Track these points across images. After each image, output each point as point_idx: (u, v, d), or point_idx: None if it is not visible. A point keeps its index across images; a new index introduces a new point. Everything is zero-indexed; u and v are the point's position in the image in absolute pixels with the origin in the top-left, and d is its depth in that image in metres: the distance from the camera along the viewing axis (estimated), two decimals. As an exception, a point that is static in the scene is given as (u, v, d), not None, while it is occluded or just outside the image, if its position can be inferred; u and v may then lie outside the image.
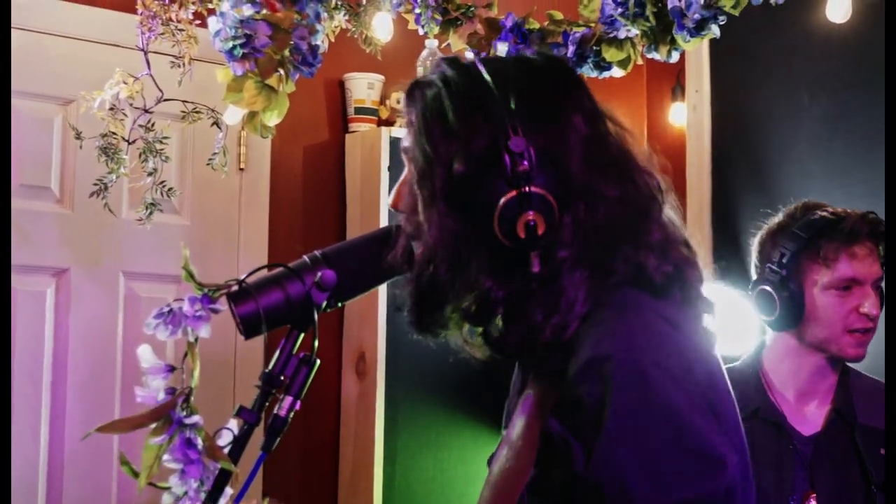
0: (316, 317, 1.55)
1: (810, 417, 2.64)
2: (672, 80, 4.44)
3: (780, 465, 2.57)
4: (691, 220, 4.12)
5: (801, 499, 2.54)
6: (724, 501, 1.48)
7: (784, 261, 2.57)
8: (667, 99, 4.50)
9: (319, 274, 1.57)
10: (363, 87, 3.87)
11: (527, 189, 1.53)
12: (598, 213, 1.57)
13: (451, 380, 3.70)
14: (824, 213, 2.59)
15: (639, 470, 1.44)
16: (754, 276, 2.70)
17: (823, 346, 2.61)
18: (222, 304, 1.58)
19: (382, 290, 3.64)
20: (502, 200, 1.53)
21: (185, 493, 1.53)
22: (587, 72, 2.46)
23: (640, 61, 2.44)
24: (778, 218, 2.68)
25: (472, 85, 1.61)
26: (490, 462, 1.69)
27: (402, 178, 1.67)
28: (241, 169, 3.70)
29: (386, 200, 3.68)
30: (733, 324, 3.68)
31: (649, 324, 1.54)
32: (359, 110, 3.88)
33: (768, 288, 2.60)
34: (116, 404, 3.44)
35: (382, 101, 3.91)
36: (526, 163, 1.53)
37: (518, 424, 1.58)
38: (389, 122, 3.88)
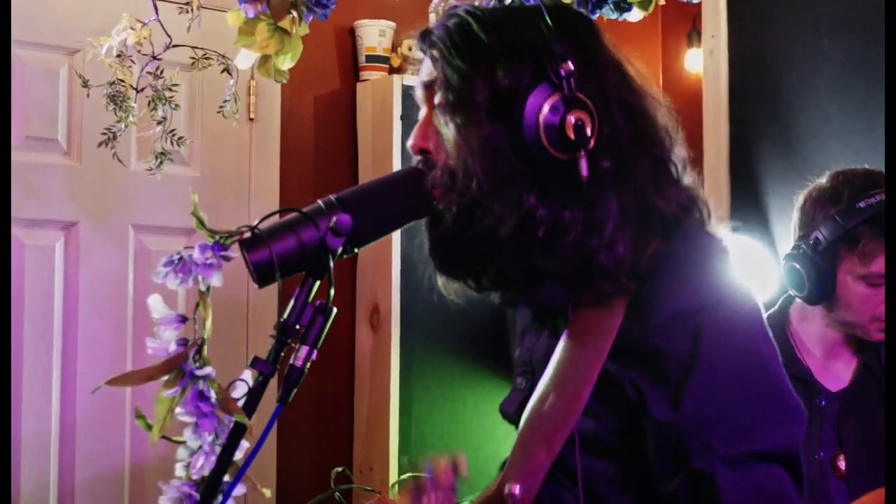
0: (332, 263, 1.50)
1: (838, 373, 2.59)
2: (688, 25, 4.36)
3: (807, 421, 2.51)
4: (708, 168, 4.06)
5: (830, 458, 2.50)
6: (798, 454, 1.51)
7: (819, 248, 2.49)
8: (682, 45, 4.43)
9: (334, 218, 1.52)
10: (374, 34, 3.81)
11: (571, 91, 1.52)
12: (635, 125, 1.58)
13: (467, 332, 3.67)
14: (871, 202, 2.46)
15: (720, 418, 1.47)
16: (793, 240, 2.60)
17: (849, 328, 2.54)
18: (234, 252, 1.53)
19: (397, 240, 3.61)
20: (547, 104, 1.52)
21: (200, 446, 1.49)
22: (607, 13, 2.40)
23: (662, 1, 2.38)
24: (824, 183, 2.56)
25: (500, 10, 1.63)
26: (506, 409, 1.66)
27: (421, 119, 1.63)
28: (251, 119, 3.66)
29: (398, 149, 3.64)
30: (751, 275, 3.63)
31: (722, 273, 1.56)
32: (370, 58, 3.82)
33: (799, 267, 2.53)
34: (128, 358, 3.41)
35: (394, 49, 3.84)
36: (570, 63, 1.52)
37: (558, 368, 1.55)
38: (401, 70, 3.82)
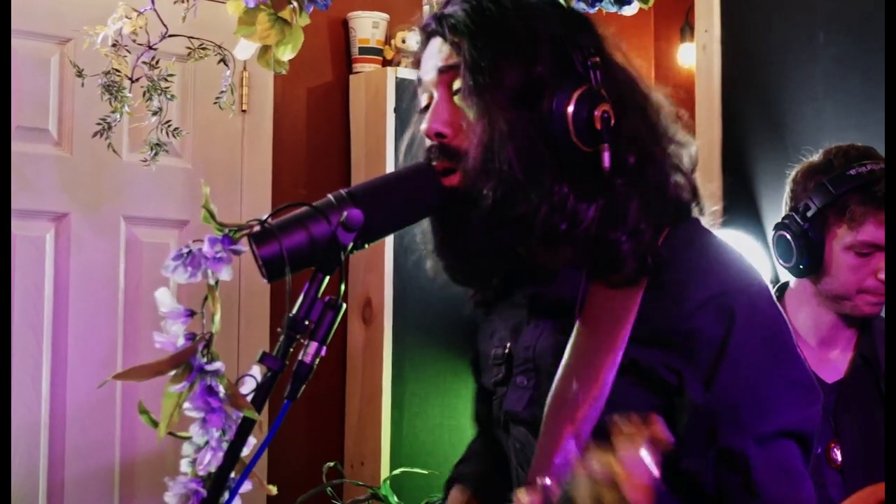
0: (342, 258, 1.49)
1: (834, 363, 2.57)
2: (681, 19, 4.36)
3: None
4: (701, 163, 4.01)
5: (824, 449, 2.49)
6: (815, 431, 1.57)
7: (808, 214, 2.49)
8: (675, 39, 4.43)
9: (345, 213, 1.50)
10: (367, 26, 3.78)
11: (598, 83, 1.56)
12: (647, 117, 1.63)
13: (459, 326, 3.63)
14: (861, 170, 2.46)
15: (751, 398, 1.53)
16: (784, 211, 2.60)
17: (838, 301, 2.53)
18: (243, 246, 1.51)
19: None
20: (576, 94, 1.54)
21: (207, 442, 1.47)
22: (606, 7, 2.38)
23: (664, -6, 2.37)
24: (816, 157, 2.57)
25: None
26: (513, 408, 1.65)
27: (436, 103, 1.63)
28: (244, 111, 3.63)
29: (391, 142, 3.62)
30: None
31: (743, 259, 1.62)
32: (363, 50, 3.80)
33: (788, 236, 2.52)
34: (118, 351, 3.40)
35: (387, 41, 3.82)
36: (598, 57, 1.56)
37: (577, 356, 1.57)
38: (394, 63, 3.79)
